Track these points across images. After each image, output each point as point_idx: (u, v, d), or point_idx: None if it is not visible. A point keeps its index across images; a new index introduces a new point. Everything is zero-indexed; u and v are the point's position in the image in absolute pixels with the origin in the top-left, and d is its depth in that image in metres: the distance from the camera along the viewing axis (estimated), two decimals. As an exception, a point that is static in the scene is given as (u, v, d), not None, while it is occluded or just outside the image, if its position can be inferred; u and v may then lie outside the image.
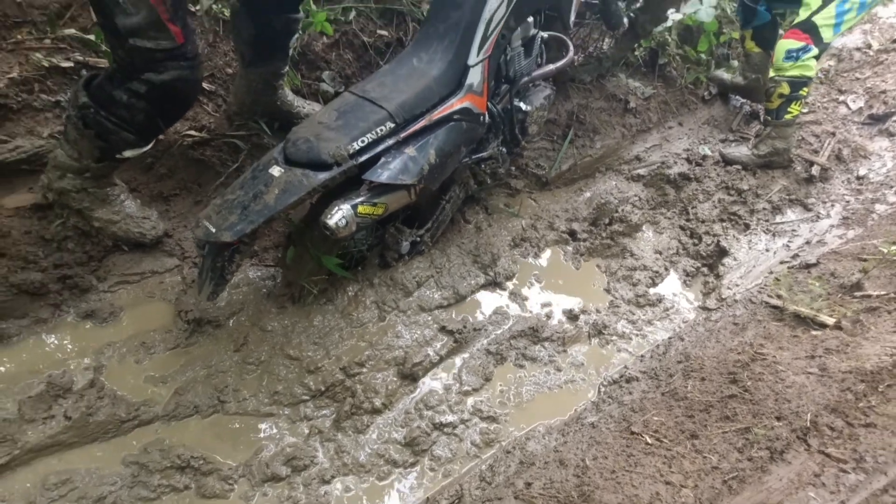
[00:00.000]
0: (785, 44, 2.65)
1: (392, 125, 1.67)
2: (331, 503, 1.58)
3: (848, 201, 2.91)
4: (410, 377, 1.90)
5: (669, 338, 2.30)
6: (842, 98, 3.52)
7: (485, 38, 1.83)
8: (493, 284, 2.26)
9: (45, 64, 1.91)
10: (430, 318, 2.03)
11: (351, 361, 1.85)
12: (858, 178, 3.05)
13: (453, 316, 2.10)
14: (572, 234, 2.66)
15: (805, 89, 2.72)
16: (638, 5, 2.86)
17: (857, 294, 2.18)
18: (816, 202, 2.92)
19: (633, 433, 1.62)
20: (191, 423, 1.66)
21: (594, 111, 3.03)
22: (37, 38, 1.95)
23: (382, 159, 1.66)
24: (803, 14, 2.64)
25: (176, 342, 1.80)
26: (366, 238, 2.11)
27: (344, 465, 1.67)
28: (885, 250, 2.14)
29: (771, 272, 2.52)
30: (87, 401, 1.54)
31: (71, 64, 1.96)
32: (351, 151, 1.59)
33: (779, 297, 2.26)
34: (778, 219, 2.86)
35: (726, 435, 1.49)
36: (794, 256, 2.59)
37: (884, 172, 3.07)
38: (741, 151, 2.93)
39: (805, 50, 2.62)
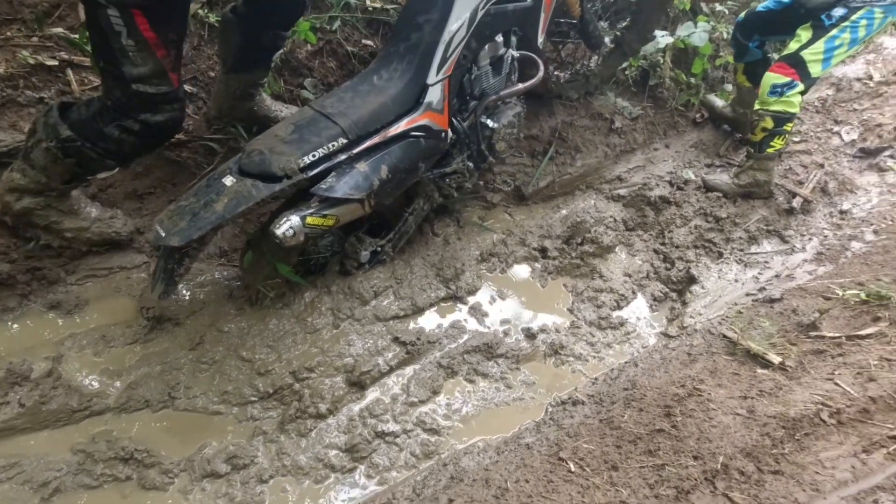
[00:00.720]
0: (770, 77, 2.64)
1: (345, 141, 1.73)
2: (265, 502, 1.66)
3: (826, 236, 2.89)
4: (358, 385, 1.97)
5: (625, 362, 2.33)
6: (836, 129, 3.48)
7: (444, 59, 1.88)
8: (454, 298, 2.31)
9: (31, 61, 1.99)
10: (384, 328, 2.10)
11: (301, 366, 1.92)
12: (841, 212, 3.03)
13: (409, 327, 2.16)
14: (543, 251, 2.70)
15: (789, 125, 2.71)
16: (623, 24, 2.86)
17: (812, 334, 2.19)
18: (794, 235, 2.91)
19: (560, 459, 1.67)
20: (140, 417, 1.75)
21: (578, 129, 3.05)
22: (25, 36, 2.03)
23: (333, 173, 1.72)
24: (793, 46, 2.62)
25: (135, 337, 1.89)
26: (330, 245, 2.18)
27: (283, 467, 1.75)
28: (840, 293, 2.15)
29: (735, 304, 2.53)
30: (41, 389, 1.63)
31: (56, 62, 2.04)
32: (301, 165, 1.65)
33: (736, 330, 2.28)
34: (753, 249, 2.86)
35: (643, 470, 1.53)
36: (761, 289, 2.60)
37: (867, 208, 3.04)
38: (722, 179, 2.93)
39: (790, 86, 2.60)
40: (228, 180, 1.61)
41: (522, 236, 2.69)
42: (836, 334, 2.14)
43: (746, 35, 2.94)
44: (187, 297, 2.04)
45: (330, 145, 1.69)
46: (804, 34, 2.61)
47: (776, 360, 2.01)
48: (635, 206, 3.01)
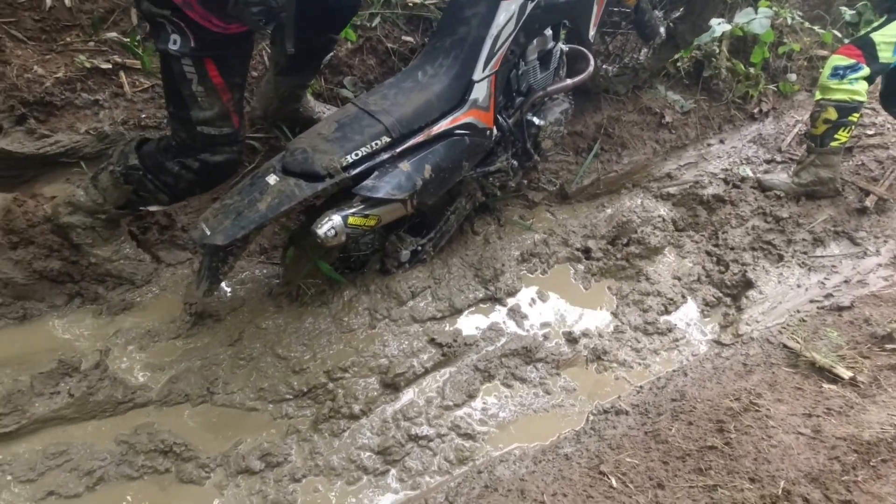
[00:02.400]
0: (833, 59, 2.42)
1: (388, 139, 1.69)
2: (297, 501, 1.66)
3: (904, 239, 2.64)
4: (392, 386, 1.94)
5: (673, 371, 2.20)
6: (917, 120, 3.17)
7: (491, 54, 1.82)
8: (493, 300, 2.24)
9: (87, 65, 2.08)
10: (420, 329, 2.06)
11: (335, 366, 1.91)
12: (922, 213, 2.75)
13: (446, 329, 2.11)
14: (586, 252, 2.59)
15: (855, 115, 2.47)
16: (677, 14, 2.70)
17: (888, 347, 1.99)
18: (867, 237, 2.66)
19: (601, 473, 1.58)
20: (180, 410, 1.78)
21: (625, 124, 2.91)
22: (82, 41, 2.12)
23: (376, 173, 1.69)
24: (863, 30, 2.40)
25: (178, 332, 1.93)
26: (371, 243, 2.16)
27: (316, 466, 1.74)
28: (922, 302, 1.93)
29: (798, 311, 2.34)
30: (89, 381, 1.69)
31: (110, 65, 2.12)
32: (344, 164, 1.64)
33: (799, 340, 2.10)
34: (818, 252, 2.64)
35: (692, 490, 1.42)
36: (828, 296, 2.39)
37: (954, 208, 2.76)
38: (780, 178, 2.72)
39: (854, 69, 2.37)
40: (272, 179, 1.61)
41: (565, 236, 2.59)
42: (917, 347, 1.93)
43: None
44: (229, 294, 2.08)
45: (373, 144, 1.67)
46: (878, 20, 2.38)
47: (846, 374, 1.83)
48: (686, 206, 2.84)
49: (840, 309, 2.26)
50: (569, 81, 2.16)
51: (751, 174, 2.86)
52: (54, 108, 2.04)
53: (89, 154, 2.04)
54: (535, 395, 2.07)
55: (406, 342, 2.02)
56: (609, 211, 2.74)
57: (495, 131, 2.01)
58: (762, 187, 2.76)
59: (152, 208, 1.89)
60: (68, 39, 2.09)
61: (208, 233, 1.55)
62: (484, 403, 2.00)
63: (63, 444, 1.62)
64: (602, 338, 2.28)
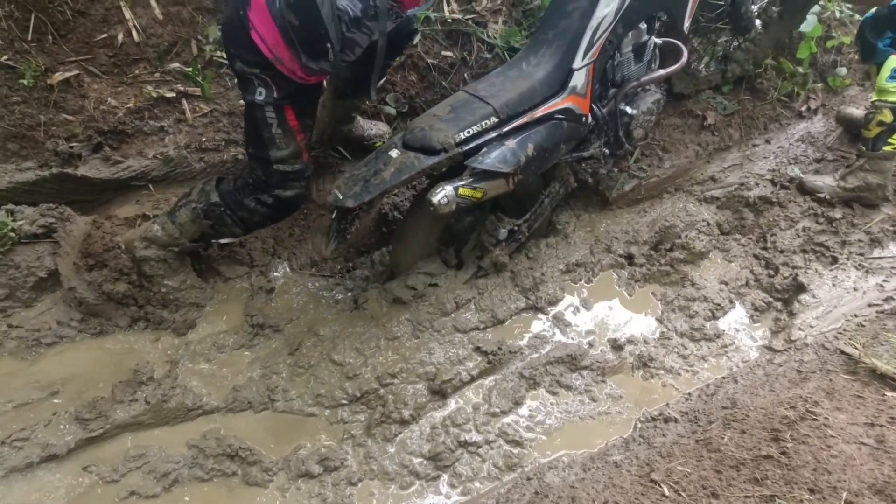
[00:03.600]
0: (893, 60, 2.34)
1: (496, 119, 1.87)
2: (354, 504, 1.74)
3: (971, 237, 2.51)
4: (440, 393, 2.00)
5: (723, 378, 2.17)
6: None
7: (591, 45, 1.97)
8: (534, 309, 2.27)
9: (154, 94, 2.24)
10: (465, 338, 2.11)
11: (385, 372, 1.99)
12: None
13: (489, 337, 2.16)
14: (629, 258, 2.58)
15: None
16: (775, 8, 2.68)
17: (955, 352, 1.91)
18: (929, 236, 2.55)
19: (652, 481, 1.59)
20: (244, 417, 1.89)
21: (665, 128, 2.88)
22: (149, 73, 2.29)
23: (485, 149, 1.87)
24: None
25: (241, 343, 2.05)
26: (472, 224, 2.33)
27: (371, 471, 1.81)
28: None
29: (855, 315, 2.27)
30: (163, 389, 1.82)
31: (173, 94, 2.28)
32: (457, 140, 1.82)
33: (857, 346, 2.04)
34: (876, 253, 2.54)
35: (748, 500, 1.41)
36: (888, 299, 2.30)
37: None
38: (825, 181, 2.63)
39: None
40: (394, 153, 1.81)
41: (608, 243, 2.59)
42: None
43: (877, 33, 2.61)
44: (288, 305, 2.19)
45: (483, 123, 1.85)
46: None
47: (908, 381, 1.77)
48: (731, 208, 2.79)
49: (901, 313, 2.17)
50: (661, 72, 2.26)
51: (799, 174, 2.78)
52: (126, 136, 2.22)
53: (157, 177, 2.20)
54: (581, 402, 2.09)
55: (452, 350, 2.08)
56: (651, 216, 2.72)
57: (590, 119, 2.15)
58: (804, 189, 2.68)
59: (225, 241, 2.08)
60: (137, 72, 2.26)
61: (340, 197, 1.76)
62: (530, 410, 2.03)
63: (141, 448, 1.76)
64: (648, 344, 2.28)
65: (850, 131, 2.88)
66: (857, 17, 3.11)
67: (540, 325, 2.26)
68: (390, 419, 1.91)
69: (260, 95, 1.68)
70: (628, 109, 2.27)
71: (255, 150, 1.84)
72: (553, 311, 2.30)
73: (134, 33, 2.17)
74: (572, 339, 2.24)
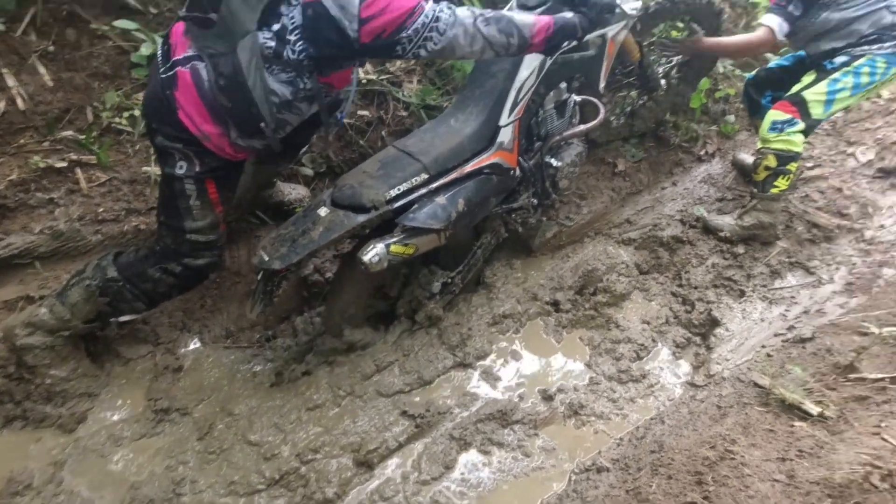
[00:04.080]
0: (772, 114, 2.61)
1: (426, 176, 1.91)
2: None
3: (854, 264, 2.74)
4: (366, 465, 1.88)
5: (651, 419, 2.19)
6: (850, 150, 3.37)
7: (515, 103, 2.07)
8: (463, 366, 2.23)
9: (42, 165, 2.09)
10: (390, 402, 2.03)
11: (306, 447, 1.86)
12: (866, 237, 2.88)
13: (416, 399, 2.08)
14: (555, 304, 2.61)
15: (793, 164, 2.63)
16: (675, 72, 2.96)
17: (852, 377, 2.03)
18: (820, 265, 2.76)
19: (584, 540, 1.54)
20: (145, 518, 1.70)
21: (581, 175, 3.01)
22: (37, 142, 2.14)
23: (415, 205, 1.89)
24: (796, 88, 2.61)
25: (142, 432, 1.87)
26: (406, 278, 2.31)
27: (292, 563, 1.66)
28: (877, 330, 2.00)
29: (763, 346, 2.38)
30: (43, 497, 1.61)
31: (65, 164, 2.14)
32: (388, 197, 1.84)
33: (767, 377, 2.13)
34: (777, 284, 2.72)
35: (674, 552, 1.40)
36: (790, 328, 2.45)
37: (895, 231, 2.90)
38: (725, 221, 2.83)
39: (790, 123, 2.56)
40: (322, 211, 1.81)
41: (534, 291, 2.61)
42: (879, 376, 1.97)
43: (759, 92, 2.97)
44: (198, 384, 2.03)
45: (413, 180, 1.87)
46: (808, 78, 2.61)
47: (814, 410, 1.85)
48: (648, 248, 2.92)
49: (803, 341, 2.30)
50: (582, 127, 2.38)
51: (704, 213, 2.97)
52: (7, 210, 2.04)
53: (44, 254, 2.03)
54: (515, 458, 2.03)
55: (376, 417, 1.99)
56: (574, 261, 2.79)
57: (518, 171, 2.24)
58: (707, 228, 2.86)
59: (126, 318, 1.92)
60: (22, 141, 2.11)
61: (266, 258, 1.73)
62: (462, 473, 1.96)
63: (17, 570, 1.52)
64: (578, 391, 2.28)
65: (744, 174, 3.14)
66: (738, 71, 3.46)
67: (469, 381, 2.22)
68: (312, 500, 1.77)
69: (180, 169, 1.64)
70: (553, 162, 2.39)
71: (168, 218, 1.76)
72: (482, 365, 2.27)
73: (19, 101, 2.04)
74: (502, 393, 2.21)
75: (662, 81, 2.88)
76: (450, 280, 2.31)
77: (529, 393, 2.24)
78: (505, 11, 1.65)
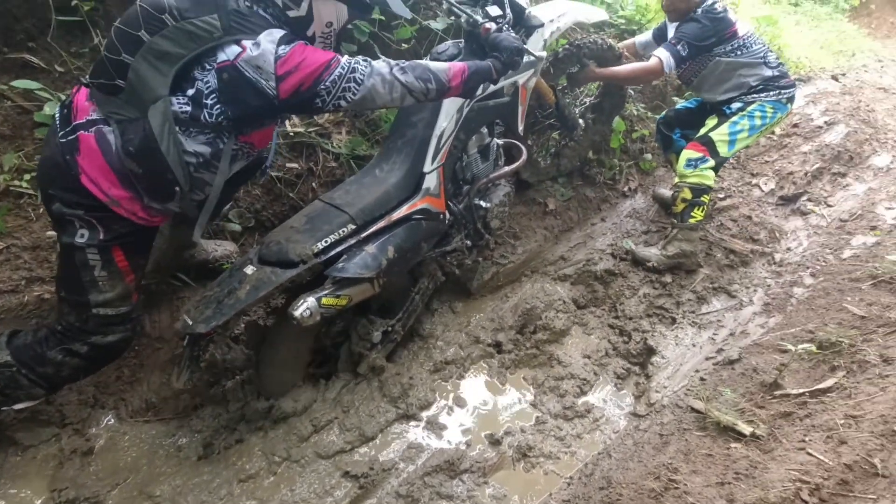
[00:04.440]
0: (686, 153, 2.87)
1: (353, 226, 1.90)
2: None
3: (769, 285, 2.94)
4: (307, 538, 1.75)
5: (598, 454, 2.19)
6: (754, 181, 3.68)
7: (437, 150, 2.10)
8: (406, 417, 2.16)
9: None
10: (330, 464, 1.91)
11: (240, 528, 1.71)
12: (777, 260, 3.11)
13: (358, 458, 1.98)
14: (498, 346, 2.60)
15: (705, 197, 2.87)
16: (590, 114, 3.14)
17: (777, 393, 2.13)
18: (740, 288, 2.94)
19: None
20: None
21: (513, 216, 3.09)
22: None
23: (345, 256, 1.87)
24: (703, 130, 2.91)
25: (43, 531, 1.65)
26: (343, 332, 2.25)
27: None
28: (793, 348, 2.12)
29: (697, 371, 2.47)
30: None
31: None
32: (315, 251, 1.81)
33: (702, 400, 2.20)
34: (704, 309, 2.86)
35: None
36: (719, 351, 2.56)
37: (800, 252, 3.15)
38: (651, 252, 2.99)
39: (702, 160, 2.83)
40: (249, 269, 1.76)
41: (476, 334, 2.60)
42: (800, 390, 2.08)
43: (669, 129, 3.27)
44: (113, 466, 1.83)
45: (340, 231, 1.86)
46: (711, 122, 2.92)
47: (747, 430, 1.92)
48: (583, 283, 3.00)
49: (731, 362, 2.41)
50: (507, 168, 2.45)
51: (632, 246, 3.11)
52: None
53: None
54: (466, 511, 1.95)
55: (317, 481, 1.86)
56: (513, 300, 2.81)
57: (448, 215, 2.26)
58: (635, 260, 3.00)
59: (21, 406, 1.69)
60: None
61: (190, 323, 1.64)
62: (412, 535, 1.85)
63: None
64: (525, 433, 2.25)
65: (664, 207, 3.34)
66: (650, 113, 3.74)
67: (413, 433, 2.14)
68: (246, 587, 1.61)
69: (81, 238, 1.51)
70: (482, 203, 2.44)
71: (70, 293, 1.58)
72: (426, 415, 2.20)
73: None
74: (449, 442, 2.14)
75: (581, 121, 3.06)
76: (390, 328, 2.28)
77: (476, 439, 2.18)
78: (419, 60, 1.69)
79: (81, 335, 1.61)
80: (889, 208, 3.21)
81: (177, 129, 1.42)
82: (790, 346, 2.12)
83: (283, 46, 1.40)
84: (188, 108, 1.44)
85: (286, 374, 2.09)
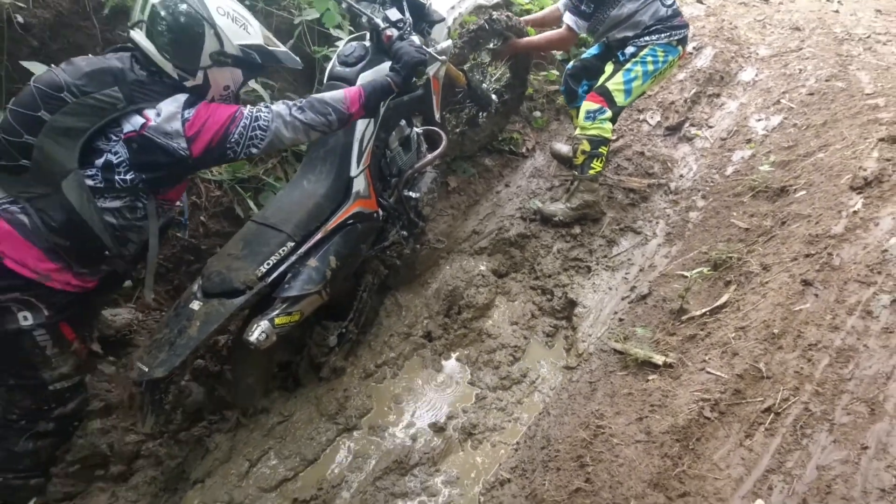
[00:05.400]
0: (585, 105, 2.92)
1: (292, 244, 1.93)
2: None
3: (668, 215, 3.11)
4: (266, 578, 1.74)
5: (539, 415, 2.28)
6: (641, 117, 3.84)
7: (361, 153, 2.12)
8: (347, 430, 2.16)
9: None
10: (276, 495, 1.90)
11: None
12: (672, 189, 3.29)
13: (304, 482, 1.97)
14: (428, 335, 2.63)
15: (604, 148, 2.94)
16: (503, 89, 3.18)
17: (684, 318, 2.28)
18: (643, 224, 3.09)
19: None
20: None
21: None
22: None
23: (289, 275, 1.91)
24: (601, 80, 2.93)
25: None
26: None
27: None
28: (688, 274, 2.27)
29: (615, 312, 2.60)
30: None
31: None
32: (259, 275, 1.84)
33: (620, 340, 2.32)
34: (614, 251, 2.99)
35: (568, 549, 1.45)
36: (632, 289, 2.70)
37: (692, 177, 3.34)
38: (557, 207, 3.08)
39: (601, 112, 2.88)
40: (195, 304, 1.75)
41: (404, 331, 2.60)
42: (702, 311, 2.24)
43: (577, 82, 3.27)
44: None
45: (280, 251, 1.89)
46: (608, 69, 2.95)
47: (660, 360, 2.05)
48: (501, 251, 3.06)
49: (643, 297, 2.55)
50: (429, 156, 2.47)
51: (539, 204, 3.20)
52: None
53: None
54: (422, 503, 2.00)
55: (268, 518, 1.85)
56: (434, 286, 2.83)
57: (381, 213, 2.29)
58: (542, 217, 3.09)
59: (34, 501, 1.70)
60: None
61: (146, 369, 1.65)
62: (372, 542, 1.88)
63: None
64: (467, 413, 2.31)
65: (563, 162, 3.43)
66: (536, 74, 3.79)
67: (357, 442, 2.15)
68: None
69: (26, 321, 1.50)
70: (412, 194, 2.47)
71: (21, 379, 1.57)
72: (367, 422, 2.21)
73: None
74: (394, 441, 2.17)
75: (494, 97, 3.09)
76: (344, 329, 2.34)
77: (421, 431, 2.22)
78: (315, 95, 1.73)
79: (43, 414, 1.62)
80: (759, 120, 3.45)
81: (95, 197, 1.48)
82: (686, 273, 2.26)
83: (188, 110, 1.50)
84: (100, 177, 1.49)
85: (255, 386, 2.12)
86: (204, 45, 1.52)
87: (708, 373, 1.75)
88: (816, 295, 1.82)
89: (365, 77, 2.04)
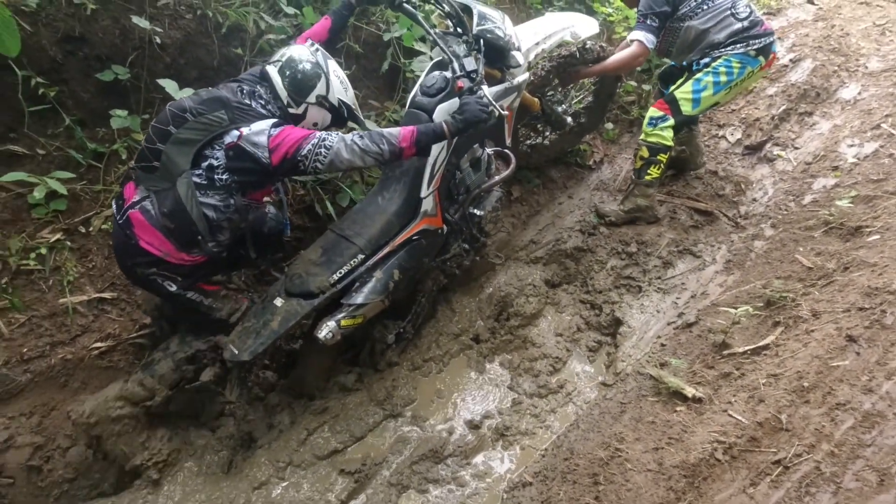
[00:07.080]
0: (651, 111, 2.96)
1: (362, 256, 2.22)
2: None
3: (732, 241, 3.04)
4: (315, 530, 2.07)
5: (569, 426, 2.42)
6: (721, 133, 3.71)
7: (432, 176, 2.33)
8: (392, 416, 2.43)
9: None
10: (326, 463, 2.22)
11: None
12: (741, 213, 3.20)
13: (351, 456, 2.28)
14: (476, 337, 2.83)
15: (662, 156, 2.95)
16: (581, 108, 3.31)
17: (725, 353, 2.30)
18: (704, 247, 3.05)
19: (501, 559, 1.75)
20: None
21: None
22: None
23: (357, 283, 2.22)
24: (671, 88, 2.94)
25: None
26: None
27: None
28: (734, 311, 2.27)
29: (658, 336, 2.64)
30: None
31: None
32: (332, 282, 2.15)
33: (657, 366, 2.38)
34: (669, 273, 3.00)
35: (566, 556, 1.61)
36: (680, 315, 2.71)
37: (765, 202, 3.22)
38: (611, 207, 3.17)
39: (663, 119, 2.90)
40: (278, 301, 2.11)
41: (454, 332, 2.81)
42: (744, 348, 2.25)
43: (666, 85, 3.25)
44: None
45: (352, 262, 2.19)
46: (681, 79, 2.94)
47: (690, 392, 2.10)
48: (556, 262, 3.16)
49: (689, 325, 2.57)
50: (497, 178, 2.64)
51: (598, 203, 3.26)
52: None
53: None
54: (450, 491, 2.23)
55: (316, 481, 2.17)
56: (489, 290, 3.01)
57: (445, 228, 2.53)
58: (597, 215, 3.18)
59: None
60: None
61: (236, 352, 2.01)
62: (404, 517, 2.15)
63: None
64: (503, 414, 2.50)
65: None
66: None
67: (400, 428, 2.42)
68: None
69: (172, 286, 1.98)
70: (477, 212, 2.67)
71: (202, 321, 2.12)
72: (410, 411, 2.47)
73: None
74: (432, 432, 2.41)
75: (568, 119, 3.17)
76: (402, 329, 2.61)
77: (457, 426, 2.45)
78: (377, 129, 2.03)
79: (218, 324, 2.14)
80: (851, 145, 3.22)
81: (197, 192, 1.89)
82: (730, 310, 2.27)
83: (274, 129, 1.88)
84: (204, 175, 1.90)
85: (319, 374, 2.48)
86: (316, 87, 2.00)
87: (730, 415, 1.80)
88: (858, 353, 1.79)
89: (442, 109, 2.23)
